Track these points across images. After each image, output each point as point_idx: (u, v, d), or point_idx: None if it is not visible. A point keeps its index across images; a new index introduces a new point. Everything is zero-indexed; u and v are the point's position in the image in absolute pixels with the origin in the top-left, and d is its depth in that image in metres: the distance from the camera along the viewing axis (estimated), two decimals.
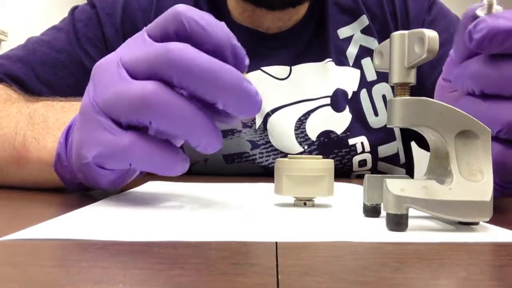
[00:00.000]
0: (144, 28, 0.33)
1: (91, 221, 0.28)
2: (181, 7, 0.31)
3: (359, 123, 0.70)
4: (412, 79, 0.28)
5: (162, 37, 0.31)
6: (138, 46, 0.31)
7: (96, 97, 0.32)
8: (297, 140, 0.69)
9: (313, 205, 0.36)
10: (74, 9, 0.71)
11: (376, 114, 0.71)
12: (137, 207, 0.34)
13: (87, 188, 0.40)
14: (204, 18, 0.31)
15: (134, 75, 0.31)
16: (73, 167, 0.37)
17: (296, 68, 0.71)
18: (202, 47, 0.30)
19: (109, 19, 0.69)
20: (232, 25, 0.70)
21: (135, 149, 0.31)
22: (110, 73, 0.31)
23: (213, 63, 0.29)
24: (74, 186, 0.41)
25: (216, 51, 0.30)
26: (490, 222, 0.28)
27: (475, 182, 0.27)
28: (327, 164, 0.35)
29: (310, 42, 0.72)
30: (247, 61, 0.31)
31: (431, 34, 0.26)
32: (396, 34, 0.28)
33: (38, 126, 0.42)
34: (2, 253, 0.21)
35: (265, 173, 0.69)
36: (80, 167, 0.35)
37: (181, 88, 0.30)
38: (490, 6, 0.32)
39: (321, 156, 0.36)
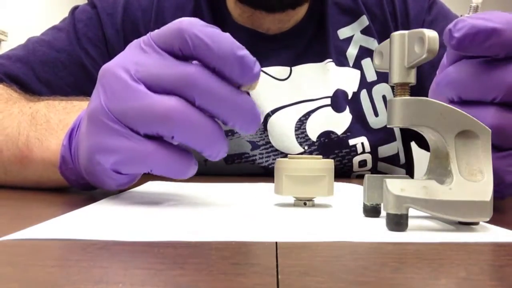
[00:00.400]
0: (149, 35, 0.33)
1: (91, 221, 0.28)
2: (184, 23, 0.31)
3: (359, 124, 0.70)
4: (412, 79, 0.28)
5: (167, 49, 0.32)
6: (154, 60, 0.32)
7: (109, 105, 0.32)
8: (297, 140, 0.69)
9: (313, 205, 0.36)
10: (74, 9, 0.71)
11: (376, 114, 0.71)
12: (137, 207, 0.34)
13: (92, 187, 0.41)
14: (207, 34, 0.31)
15: (154, 90, 0.32)
16: (81, 169, 0.38)
17: (297, 69, 0.71)
18: (208, 63, 0.31)
19: (109, 19, 0.69)
20: (232, 26, 0.70)
21: (157, 157, 0.32)
22: (123, 83, 0.32)
23: (233, 92, 0.31)
24: (79, 186, 0.41)
25: (221, 66, 0.31)
26: (490, 222, 0.28)
27: (475, 182, 0.27)
28: (327, 164, 0.35)
29: (310, 43, 0.72)
30: (256, 68, 0.32)
31: (431, 34, 0.26)
32: (396, 34, 0.28)
33: (41, 126, 0.43)
34: (2, 253, 0.21)
35: (265, 174, 0.69)
36: (92, 171, 0.35)
37: (199, 108, 0.32)
38: (476, 9, 0.32)
39: (321, 156, 0.36)
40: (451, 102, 0.34)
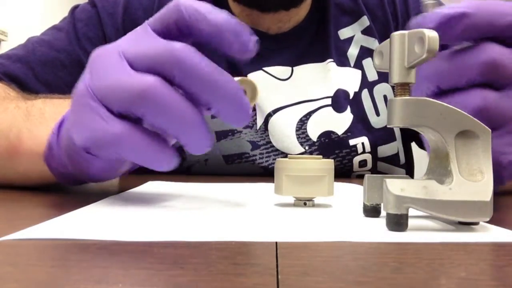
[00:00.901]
0: (146, 21, 0.33)
1: (91, 221, 0.28)
2: (182, 0, 0.31)
3: (360, 124, 0.70)
4: (412, 79, 0.28)
5: (163, 30, 0.32)
6: (141, 40, 0.32)
7: (91, 84, 0.32)
8: (298, 140, 0.69)
9: (313, 205, 0.36)
10: (74, 9, 0.71)
11: (377, 114, 0.71)
12: (137, 207, 0.34)
13: (78, 181, 0.40)
14: (203, 6, 0.31)
15: (135, 68, 0.31)
16: (62, 155, 0.37)
17: (298, 69, 0.71)
18: (202, 35, 0.31)
19: (110, 19, 0.69)
20: None
21: (126, 138, 0.31)
22: (110, 63, 0.31)
23: (217, 71, 0.30)
24: (60, 177, 0.40)
25: (216, 36, 0.30)
26: (490, 222, 0.28)
27: (475, 182, 0.27)
28: (327, 164, 0.35)
29: (311, 43, 0.72)
30: (252, 43, 0.31)
31: (431, 34, 0.26)
32: (396, 34, 0.28)
33: (34, 117, 0.43)
34: (2, 253, 0.21)
35: (265, 174, 0.69)
36: (69, 152, 0.35)
37: (180, 87, 0.30)
38: (433, 5, 0.33)
39: (321, 156, 0.36)
40: (434, 95, 0.34)
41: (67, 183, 0.42)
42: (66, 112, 0.39)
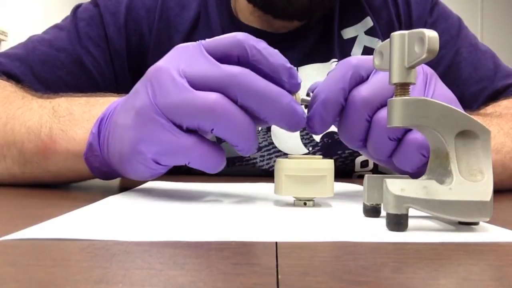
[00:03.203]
0: (200, 43, 0.36)
1: (91, 221, 0.28)
2: (241, 35, 0.35)
3: None
4: (412, 79, 0.28)
5: (222, 58, 0.35)
6: (199, 63, 0.35)
7: (156, 100, 0.35)
8: (302, 141, 0.68)
9: (313, 205, 0.36)
10: (76, 8, 0.71)
11: None
12: (137, 207, 0.34)
13: (112, 176, 0.44)
14: (262, 46, 0.35)
15: (197, 88, 0.34)
16: (108, 157, 0.40)
17: (302, 69, 0.70)
18: (261, 72, 0.35)
19: (112, 19, 0.69)
20: (240, 27, 0.70)
21: (196, 150, 0.35)
22: (171, 80, 0.34)
23: (272, 89, 0.34)
24: (100, 174, 0.44)
25: (274, 73, 0.35)
26: (490, 222, 0.28)
27: (475, 182, 0.27)
28: (327, 164, 0.35)
29: (316, 43, 0.71)
30: (299, 79, 0.36)
31: (431, 34, 0.26)
32: (396, 34, 0.28)
33: (64, 118, 0.44)
34: (2, 253, 0.21)
35: (265, 177, 0.68)
36: (130, 159, 0.37)
37: (241, 106, 0.34)
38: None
39: (321, 156, 0.36)
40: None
41: (102, 178, 0.45)
42: (102, 114, 0.42)
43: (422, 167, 0.37)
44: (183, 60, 0.35)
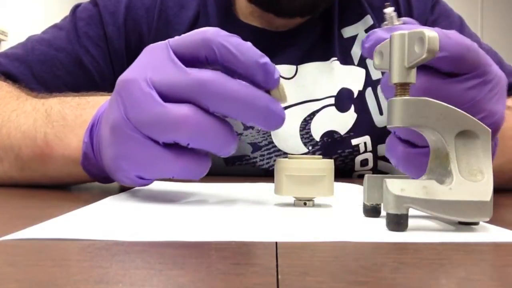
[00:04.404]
0: (168, 43, 0.34)
1: (91, 221, 0.28)
2: (209, 32, 0.33)
3: (364, 122, 0.70)
4: (412, 79, 0.28)
5: (191, 60, 0.33)
6: (168, 70, 0.33)
7: (128, 114, 0.34)
8: (302, 141, 0.68)
9: (313, 205, 0.36)
10: (76, 8, 0.71)
11: (381, 113, 0.70)
12: (136, 207, 0.34)
13: (110, 181, 0.44)
14: (232, 43, 0.33)
15: (167, 99, 0.33)
16: (105, 167, 0.39)
17: (302, 68, 0.70)
18: (233, 71, 0.33)
19: (111, 18, 0.69)
20: (239, 26, 0.70)
21: (177, 163, 0.34)
22: (141, 92, 0.33)
23: (245, 90, 0.32)
24: (100, 179, 0.44)
25: (246, 73, 0.33)
26: (490, 222, 0.28)
27: (475, 182, 0.27)
28: (327, 164, 0.35)
29: (316, 41, 0.71)
30: (277, 74, 0.33)
31: (431, 34, 0.26)
32: (396, 34, 0.28)
33: (58, 123, 0.44)
34: (2, 253, 0.21)
35: (265, 176, 0.68)
36: (116, 174, 0.37)
37: (215, 112, 0.33)
38: (391, 17, 0.37)
39: (321, 156, 0.36)
40: None
41: (102, 182, 0.44)
42: (92, 119, 0.41)
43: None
44: (150, 67, 0.34)
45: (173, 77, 0.33)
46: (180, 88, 0.32)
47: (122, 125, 0.34)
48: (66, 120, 0.44)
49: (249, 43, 0.33)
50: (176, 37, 0.34)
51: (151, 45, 0.36)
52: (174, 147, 0.34)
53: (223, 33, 0.33)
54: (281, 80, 0.35)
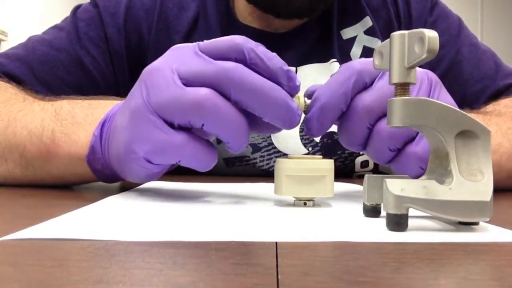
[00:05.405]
0: (196, 45, 0.36)
1: (91, 221, 0.28)
2: (240, 38, 0.35)
3: None
4: (412, 79, 0.28)
5: (216, 57, 0.35)
6: (193, 61, 0.35)
7: (149, 99, 0.35)
8: (301, 142, 0.68)
9: (313, 205, 0.36)
10: (76, 9, 0.71)
11: None
12: (136, 207, 0.34)
13: (115, 179, 0.44)
14: (261, 50, 0.35)
15: (190, 85, 0.34)
16: (110, 160, 0.40)
17: (302, 69, 0.70)
18: (260, 75, 0.34)
19: (111, 19, 0.69)
20: (239, 27, 0.70)
21: (186, 148, 0.34)
22: (164, 79, 0.34)
23: (266, 84, 0.34)
24: (103, 177, 0.44)
25: (272, 77, 0.35)
26: (490, 222, 0.28)
27: (475, 182, 0.27)
28: (327, 164, 0.35)
29: (315, 43, 0.71)
30: (298, 81, 0.36)
31: (431, 34, 0.26)
32: (396, 34, 0.28)
33: (66, 121, 0.44)
34: (2, 253, 0.21)
35: (265, 177, 0.68)
36: (126, 159, 0.37)
37: (235, 102, 0.34)
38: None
39: (321, 156, 0.36)
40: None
41: (105, 181, 0.45)
42: (104, 116, 0.42)
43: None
44: (178, 60, 0.35)
45: (199, 66, 0.34)
46: (205, 74, 0.34)
47: (142, 109, 0.35)
48: (75, 118, 0.44)
49: (274, 53, 0.35)
50: (206, 41, 0.36)
51: (179, 44, 0.37)
52: (186, 132, 0.35)
53: (252, 41, 0.35)
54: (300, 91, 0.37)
